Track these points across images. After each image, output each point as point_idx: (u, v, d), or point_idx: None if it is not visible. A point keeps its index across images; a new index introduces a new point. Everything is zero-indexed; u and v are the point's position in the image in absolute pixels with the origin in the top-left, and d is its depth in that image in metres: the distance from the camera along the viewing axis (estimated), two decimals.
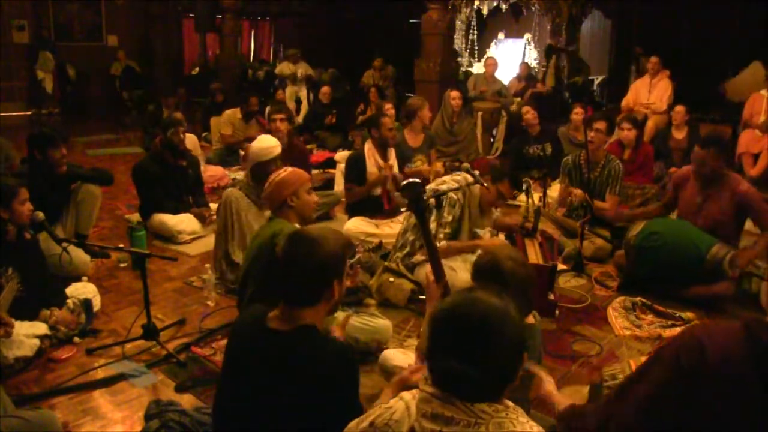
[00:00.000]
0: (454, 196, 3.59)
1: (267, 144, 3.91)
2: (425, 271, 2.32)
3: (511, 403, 1.34)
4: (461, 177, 3.67)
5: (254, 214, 3.90)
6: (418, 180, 2.36)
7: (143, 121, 8.51)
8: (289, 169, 2.93)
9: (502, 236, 4.04)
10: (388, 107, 6.20)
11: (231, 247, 3.85)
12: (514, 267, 2.06)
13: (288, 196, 2.82)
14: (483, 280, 2.10)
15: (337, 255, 1.80)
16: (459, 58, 10.86)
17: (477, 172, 3.67)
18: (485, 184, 3.74)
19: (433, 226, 3.44)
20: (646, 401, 1.47)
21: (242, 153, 3.81)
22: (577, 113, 6.38)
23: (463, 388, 1.29)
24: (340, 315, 2.93)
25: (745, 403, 1.35)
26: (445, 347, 1.31)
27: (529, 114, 6.00)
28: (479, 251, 3.83)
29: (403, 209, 3.86)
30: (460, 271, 3.59)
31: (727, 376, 1.35)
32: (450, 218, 3.58)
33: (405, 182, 2.38)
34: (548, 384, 2.04)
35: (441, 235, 3.55)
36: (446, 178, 3.75)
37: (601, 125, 4.55)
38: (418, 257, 3.71)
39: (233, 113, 7.19)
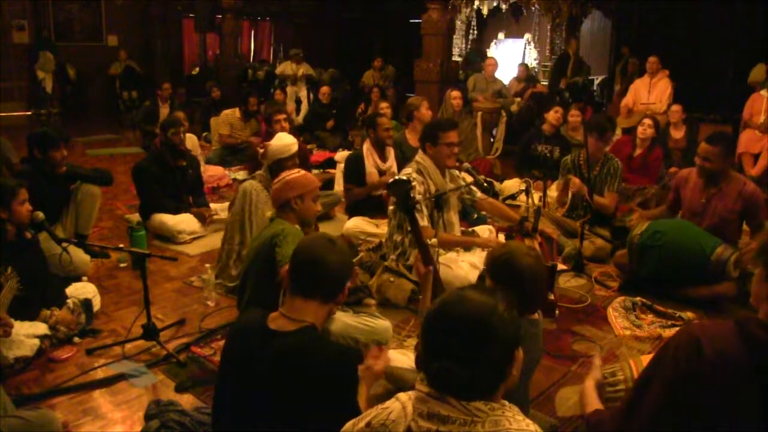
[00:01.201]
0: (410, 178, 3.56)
1: (286, 141, 3.92)
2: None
3: (507, 402, 1.35)
4: (410, 169, 3.65)
5: (271, 209, 3.89)
6: (404, 177, 2.37)
7: (139, 117, 8.53)
8: (302, 171, 2.93)
9: (501, 236, 4.04)
10: (384, 106, 6.20)
11: (247, 239, 3.81)
12: (531, 264, 2.05)
13: (293, 198, 2.82)
14: (497, 274, 2.08)
15: (350, 259, 1.95)
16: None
17: (483, 177, 3.68)
18: (485, 184, 3.73)
19: (434, 242, 3.40)
20: (655, 405, 1.47)
21: (261, 151, 3.90)
22: (573, 115, 6.39)
23: (454, 386, 1.30)
24: (340, 315, 2.94)
25: (744, 398, 1.35)
26: (435, 347, 1.33)
27: (557, 115, 5.97)
28: (476, 248, 3.85)
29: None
30: (455, 268, 3.58)
31: (724, 373, 1.36)
32: (419, 196, 3.52)
33: (392, 180, 2.39)
34: (591, 381, 1.97)
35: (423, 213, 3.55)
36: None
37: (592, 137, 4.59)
38: (414, 258, 3.70)
39: (231, 113, 7.20)
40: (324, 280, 1.81)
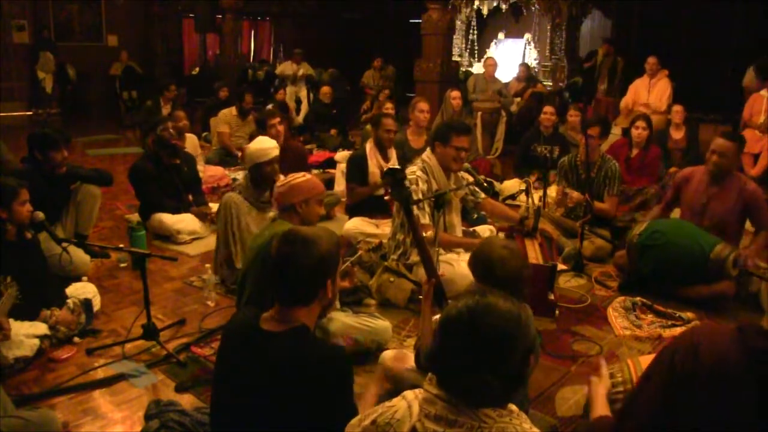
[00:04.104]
0: (414, 176, 3.56)
1: (265, 145, 3.88)
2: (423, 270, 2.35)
3: (515, 408, 1.35)
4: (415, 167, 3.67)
5: (254, 218, 3.89)
6: (399, 167, 2.37)
7: (140, 117, 8.53)
8: (308, 175, 2.93)
9: (501, 236, 4.04)
10: (389, 106, 6.21)
11: (234, 252, 3.83)
12: (503, 255, 2.11)
13: (298, 202, 2.81)
14: (473, 269, 2.19)
15: (330, 255, 1.78)
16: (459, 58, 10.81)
17: (483, 177, 3.68)
18: (485, 184, 3.74)
19: (430, 234, 3.41)
20: (650, 408, 1.47)
21: (240, 154, 3.87)
22: (572, 115, 6.39)
23: (480, 396, 1.30)
24: (340, 316, 2.94)
25: (740, 405, 1.35)
26: (465, 358, 1.30)
27: (548, 115, 5.98)
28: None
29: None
30: (456, 266, 3.58)
31: (720, 379, 1.36)
32: (421, 195, 3.52)
33: (387, 168, 2.39)
34: (600, 386, 1.99)
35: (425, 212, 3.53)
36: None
37: (593, 131, 4.60)
38: (414, 257, 3.71)
39: (229, 111, 7.20)
40: (300, 285, 1.75)
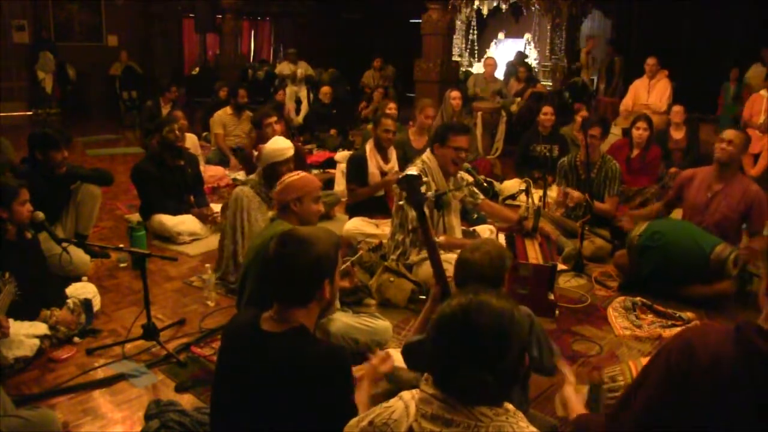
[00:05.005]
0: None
1: (280, 145, 3.89)
2: (426, 271, 2.35)
3: (511, 407, 1.35)
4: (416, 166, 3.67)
5: (264, 214, 3.88)
6: (415, 173, 2.37)
7: (141, 117, 8.54)
8: (302, 174, 2.93)
9: (501, 236, 4.04)
10: (392, 106, 6.20)
11: (239, 246, 3.83)
12: (467, 258, 2.15)
13: (292, 201, 2.81)
14: (456, 268, 2.22)
15: (328, 255, 1.77)
16: (458, 58, 10.80)
17: (483, 177, 3.67)
18: (485, 184, 3.74)
19: (442, 239, 3.40)
20: (646, 407, 1.47)
21: (255, 153, 3.88)
22: (582, 115, 6.40)
23: (476, 394, 1.30)
24: (340, 316, 2.94)
25: (736, 405, 1.35)
26: (460, 355, 1.30)
27: (548, 116, 6.00)
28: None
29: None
30: None
31: (716, 378, 1.35)
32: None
33: (402, 175, 2.38)
34: (568, 387, 2.02)
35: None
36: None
37: (595, 131, 4.62)
38: (413, 257, 3.70)
39: (223, 112, 7.19)
40: (296, 284, 1.74)
